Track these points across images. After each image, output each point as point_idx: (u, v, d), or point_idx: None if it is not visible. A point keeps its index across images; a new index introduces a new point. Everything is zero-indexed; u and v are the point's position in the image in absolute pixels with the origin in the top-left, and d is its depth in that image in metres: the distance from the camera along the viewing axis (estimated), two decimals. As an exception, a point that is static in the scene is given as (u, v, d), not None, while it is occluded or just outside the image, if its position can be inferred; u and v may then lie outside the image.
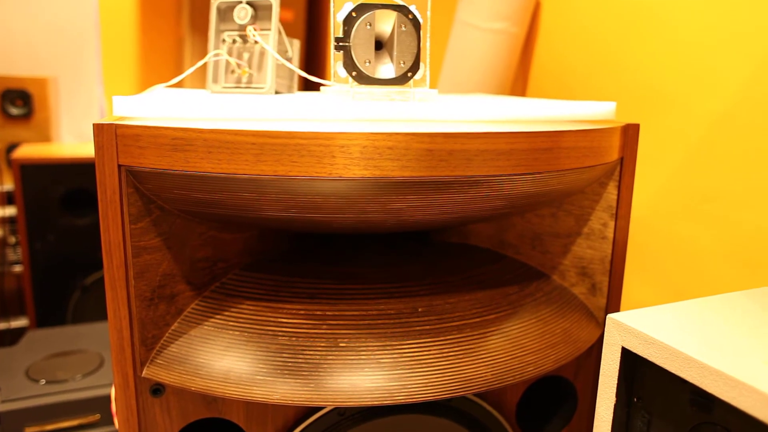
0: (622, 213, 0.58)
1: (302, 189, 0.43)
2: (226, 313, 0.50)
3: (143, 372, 0.49)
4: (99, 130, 0.45)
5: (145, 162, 0.45)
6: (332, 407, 0.53)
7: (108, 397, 0.86)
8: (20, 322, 1.54)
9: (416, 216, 0.46)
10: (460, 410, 0.57)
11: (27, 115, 1.60)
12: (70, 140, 1.84)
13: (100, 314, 1.37)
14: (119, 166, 0.45)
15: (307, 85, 2.04)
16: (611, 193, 0.58)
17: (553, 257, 0.60)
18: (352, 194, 0.43)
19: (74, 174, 1.34)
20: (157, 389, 0.51)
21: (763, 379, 0.37)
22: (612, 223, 0.58)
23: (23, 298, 1.58)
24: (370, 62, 0.52)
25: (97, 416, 0.86)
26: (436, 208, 0.46)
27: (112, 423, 0.87)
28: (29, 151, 1.38)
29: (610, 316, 0.47)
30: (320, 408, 0.53)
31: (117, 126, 0.45)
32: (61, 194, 1.33)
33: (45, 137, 1.65)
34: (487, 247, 0.62)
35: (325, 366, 0.46)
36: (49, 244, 1.35)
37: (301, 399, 0.45)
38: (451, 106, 0.50)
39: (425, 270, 0.55)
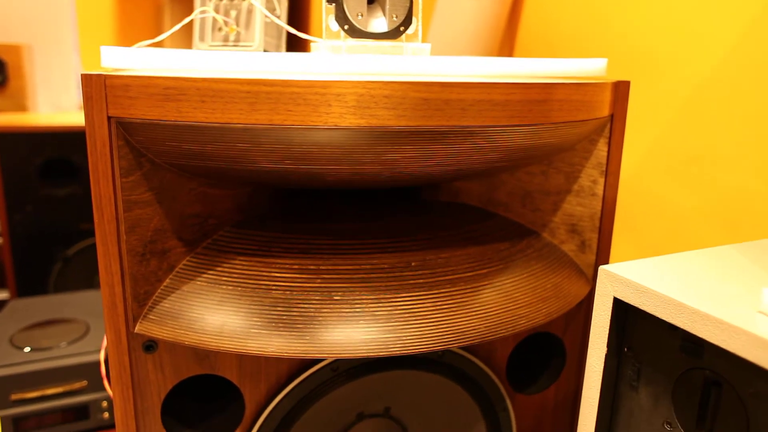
0: (611, 170, 0.58)
1: (297, 139, 0.42)
2: (219, 269, 0.50)
3: (136, 328, 0.49)
4: (87, 80, 0.44)
5: (135, 113, 0.44)
6: (326, 363, 0.53)
7: (96, 363, 0.86)
8: (1, 295, 1.52)
9: (411, 168, 0.46)
10: (451, 366, 0.58)
11: (2, 84, 1.56)
12: (47, 111, 1.80)
13: (83, 285, 1.36)
14: (109, 117, 0.45)
15: (293, 47, 2.01)
16: (601, 150, 0.58)
17: (543, 215, 0.61)
18: (347, 144, 0.43)
19: (53, 143, 1.31)
20: (150, 345, 0.51)
21: (752, 322, 0.38)
22: (602, 180, 0.58)
23: (3, 271, 1.56)
24: (362, 15, 0.51)
25: (84, 383, 0.86)
26: (431, 160, 0.46)
27: (99, 389, 0.87)
28: (5, 120, 1.35)
29: (602, 267, 0.47)
30: (314, 363, 0.54)
31: (106, 76, 0.44)
32: (39, 164, 1.31)
33: (21, 107, 1.61)
34: (477, 205, 0.62)
35: (320, 319, 0.46)
36: (29, 215, 1.33)
37: (296, 351, 0.45)
38: (445, 61, 0.50)
39: (417, 227, 0.55)
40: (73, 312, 1.01)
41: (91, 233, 1.37)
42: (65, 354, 0.87)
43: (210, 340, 0.46)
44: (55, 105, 1.83)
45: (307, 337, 0.46)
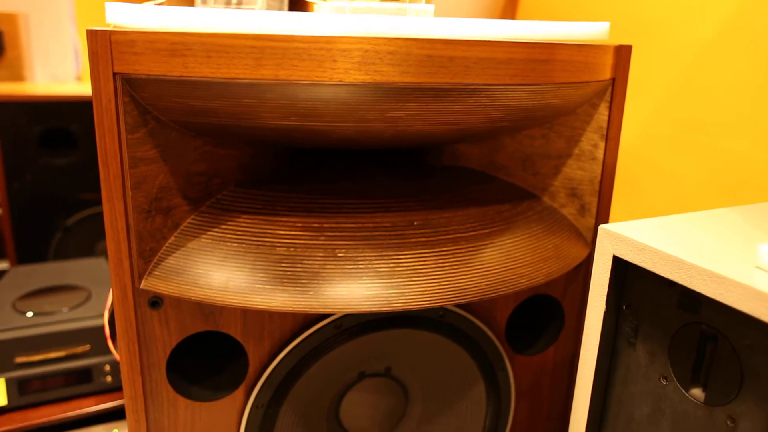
0: (612, 134, 0.59)
1: (302, 94, 0.42)
2: (223, 227, 0.50)
3: (141, 284, 0.49)
4: (92, 36, 0.44)
5: (141, 69, 0.44)
6: (329, 320, 0.54)
7: (98, 328, 0.87)
8: (0, 265, 1.52)
9: (415, 126, 0.46)
10: (451, 326, 0.59)
11: (-1, 53, 1.55)
12: (45, 81, 1.79)
13: (83, 255, 1.37)
14: (114, 74, 0.45)
15: (295, 10, 2.00)
16: (602, 114, 0.58)
17: (543, 178, 0.61)
18: (352, 100, 0.43)
19: (51, 113, 1.31)
20: (155, 302, 0.51)
21: (749, 276, 0.39)
22: (602, 144, 0.59)
23: (3, 241, 1.56)
24: (366, -25, 0.51)
25: (87, 347, 0.87)
26: (434, 118, 0.46)
27: (102, 354, 0.88)
28: (3, 89, 1.34)
29: (602, 226, 0.48)
30: (317, 321, 0.55)
31: (111, 32, 0.44)
32: (38, 133, 1.30)
33: (18, 77, 1.60)
34: (478, 168, 0.62)
35: (324, 275, 0.47)
36: (28, 184, 1.33)
37: (301, 306, 0.46)
38: (448, 22, 0.50)
39: (419, 188, 0.56)
40: (75, 279, 1.02)
41: (91, 203, 1.37)
42: (68, 318, 0.88)
43: (215, 295, 0.47)
44: (52, 75, 1.82)
45: (311, 293, 0.46)
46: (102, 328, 0.86)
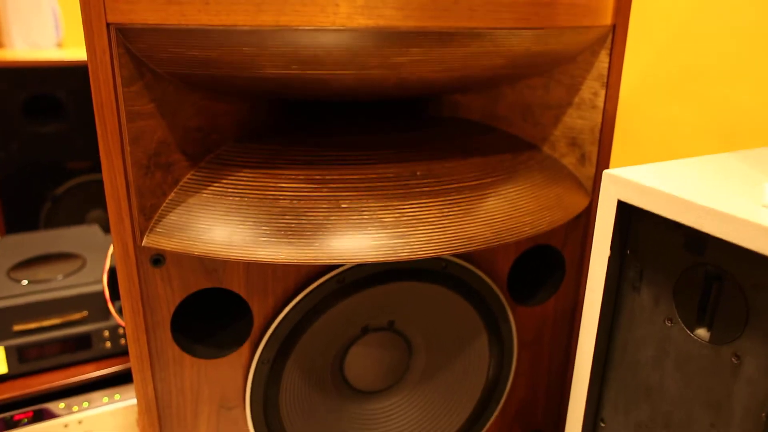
0: (612, 82, 0.58)
1: (304, 41, 0.41)
2: (224, 181, 0.50)
3: (143, 241, 0.49)
4: (84, -16, 0.42)
5: (136, 18, 0.43)
6: (332, 275, 0.54)
7: (95, 294, 0.86)
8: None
9: (417, 72, 0.45)
10: (454, 277, 0.59)
11: (-24, 20, 1.51)
12: (23, 48, 1.75)
13: (74, 224, 1.35)
14: (108, 24, 0.43)
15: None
16: (603, 61, 0.58)
17: (543, 128, 0.61)
18: (354, 46, 0.42)
19: (35, 79, 1.28)
20: (158, 259, 0.51)
21: (756, 215, 0.39)
22: (602, 92, 0.58)
23: (-9, 212, 1.54)
24: None
25: (85, 313, 0.86)
26: (437, 65, 0.45)
27: (100, 320, 0.87)
28: (-16, 55, 1.31)
29: (606, 171, 0.48)
30: (320, 276, 0.54)
31: (103, -20, 0.42)
32: (22, 101, 1.28)
33: (-4, 44, 1.56)
34: (478, 119, 0.62)
35: (329, 226, 0.47)
36: (14, 153, 1.31)
37: (306, 258, 0.46)
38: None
39: (420, 139, 0.55)
40: (68, 246, 1.01)
41: (80, 172, 1.35)
42: (64, 285, 0.87)
43: (219, 249, 0.47)
44: (31, 43, 1.77)
45: (317, 244, 0.46)
46: (99, 294, 0.85)
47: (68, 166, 1.34)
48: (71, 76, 1.31)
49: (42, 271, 0.92)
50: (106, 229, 1.31)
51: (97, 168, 1.36)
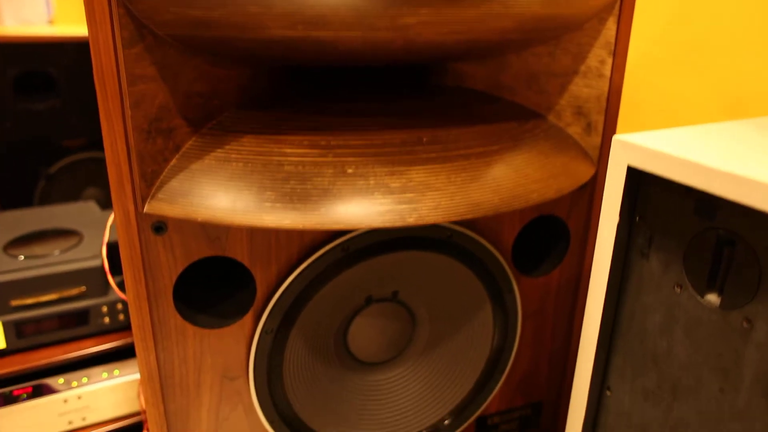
0: (619, 50, 0.58)
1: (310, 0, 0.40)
2: (227, 147, 0.49)
3: (145, 208, 0.48)
4: (82, -59, 0.41)
5: (136, -24, 0.42)
6: (336, 243, 0.54)
7: (94, 270, 0.85)
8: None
9: (425, 35, 0.44)
10: (459, 246, 0.58)
11: (-33, -5, 1.48)
12: (14, 25, 1.72)
13: (69, 202, 1.34)
14: (107, -17, 0.42)
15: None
16: (610, 29, 0.57)
17: (549, 97, 0.60)
18: (361, 6, 0.41)
19: (26, 56, 1.26)
20: (159, 227, 0.50)
21: (771, 175, 0.38)
22: (610, 60, 0.58)
23: (-16, 192, 1.52)
24: None
25: (83, 288, 0.86)
26: (445, 26, 0.44)
27: (98, 296, 0.86)
28: (-25, 30, 1.28)
29: (615, 137, 0.47)
30: (324, 244, 0.54)
31: (102, -64, 0.41)
32: (14, 77, 1.26)
33: (-13, 21, 1.54)
34: (483, 88, 0.61)
35: (335, 191, 0.46)
36: (7, 130, 1.29)
37: (313, 223, 0.45)
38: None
39: (425, 106, 0.54)
40: (64, 222, 1.00)
41: (74, 150, 1.34)
42: (61, 261, 0.86)
43: (223, 215, 0.46)
44: (22, 20, 1.75)
45: (323, 210, 0.45)
46: (97, 269, 0.85)
47: (62, 144, 1.32)
48: (63, 52, 1.29)
49: (38, 247, 0.91)
50: (103, 206, 1.30)
51: (91, 146, 1.35)
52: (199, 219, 0.46)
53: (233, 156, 0.48)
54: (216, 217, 0.46)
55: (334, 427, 0.62)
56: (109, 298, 0.86)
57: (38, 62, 1.26)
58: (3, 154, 1.28)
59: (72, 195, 1.35)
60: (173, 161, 0.49)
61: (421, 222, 0.46)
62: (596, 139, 0.60)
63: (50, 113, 1.30)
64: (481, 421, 0.69)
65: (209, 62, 0.50)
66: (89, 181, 1.37)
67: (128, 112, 0.45)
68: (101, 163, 1.34)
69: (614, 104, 0.59)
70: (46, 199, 1.34)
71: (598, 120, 0.59)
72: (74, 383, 0.83)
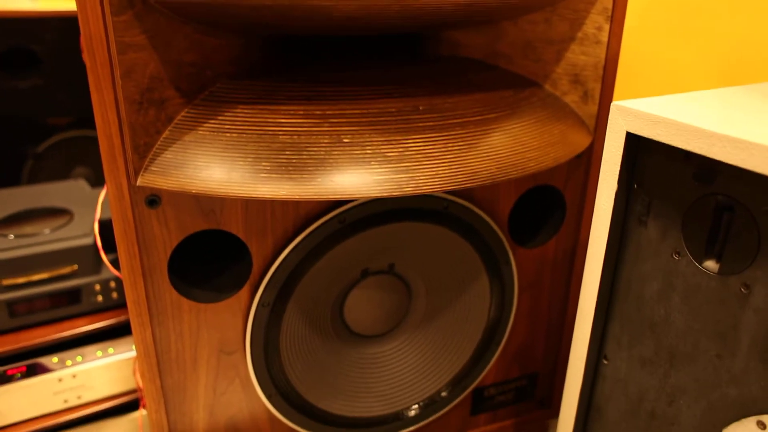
0: (617, 16, 0.57)
1: (304, -38, 0.39)
2: (221, 118, 0.48)
3: (138, 181, 0.47)
4: None
5: (123, -60, 0.40)
6: (333, 215, 0.53)
7: (85, 248, 0.84)
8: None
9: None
10: (456, 218, 0.58)
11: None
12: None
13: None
14: (93, -53, 0.41)
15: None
16: (606, -6, 0.56)
17: (545, 65, 0.59)
18: (357, -32, 0.40)
19: (9, 32, 1.23)
20: (153, 200, 0.49)
21: (770, 139, 0.38)
22: (607, 27, 0.57)
23: (-29, 171, 1.50)
24: None
25: (75, 267, 0.85)
26: (442, -10, 0.43)
27: (90, 274, 0.86)
28: (-44, 5, 1.25)
29: (614, 103, 0.47)
30: (320, 216, 0.53)
31: None
32: (-3, 54, 1.23)
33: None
34: (479, 57, 0.60)
35: (331, 161, 0.45)
36: (-8, 109, 1.26)
37: (309, 194, 0.44)
38: None
39: (421, 74, 0.54)
40: (54, 201, 0.99)
41: (61, 128, 1.32)
42: (52, 239, 0.85)
43: (218, 187, 0.45)
44: (5, -3, 1.70)
45: (319, 179, 0.45)
46: (88, 247, 0.84)
47: (49, 122, 1.30)
48: (47, 28, 1.26)
49: (29, 226, 0.90)
50: (93, 185, 1.28)
51: (79, 124, 1.33)
52: (194, 191, 0.45)
53: (227, 127, 0.47)
54: (210, 188, 0.45)
55: (332, 399, 0.62)
56: (102, 276, 0.85)
57: (22, 38, 1.24)
58: (-11, 133, 1.26)
59: (61, 174, 1.34)
60: (166, 133, 0.48)
61: (418, 191, 0.45)
62: (593, 108, 0.59)
63: (35, 91, 1.27)
64: (478, 392, 0.70)
65: (201, 31, 0.49)
66: (78, 160, 1.35)
67: (119, 82, 0.44)
68: (90, 141, 1.32)
69: (611, 72, 0.59)
70: (35, 179, 1.32)
71: (595, 88, 0.59)
72: (68, 362, 0.82)
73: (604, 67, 0.58)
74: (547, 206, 0.65)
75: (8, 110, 1.27)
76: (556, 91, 0.60)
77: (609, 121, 0.47)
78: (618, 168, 0.48)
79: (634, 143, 0.48)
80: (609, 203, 0.49)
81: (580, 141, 0.57)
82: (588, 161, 0.62)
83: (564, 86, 0.60)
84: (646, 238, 0.48)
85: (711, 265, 0.44)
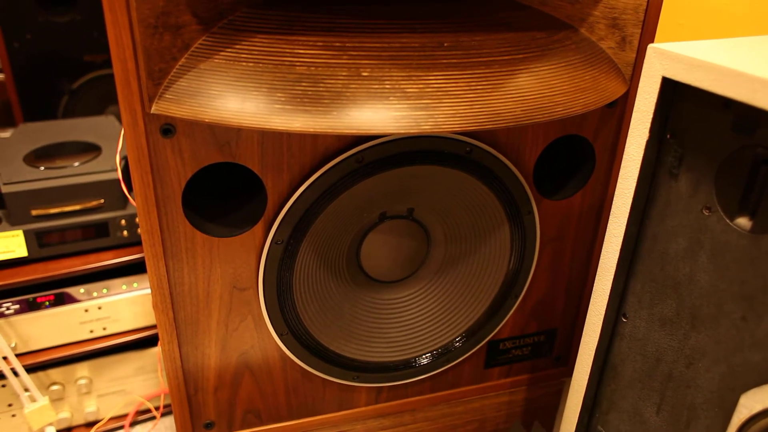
0: (663, -45, 0.53)
1: None
2: (238, 47, 0.46)
3: (152, 108, 0.46)
4: None
5: None
6: (351, 153, 0.52)
7: (111, 182, 0.85)
8: (8, 134, 1.50)
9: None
10: (479, 163, 0.56)
11: None
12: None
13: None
14: None
15: None
16: (654, -69, 0.52)
17: (582, 7, 0.56)
18: None
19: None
20: (168, 129, 0.48)
21: (821, 85, 0.35)
22: (651, -33, 0.53)
23: (10, 108, 1.52)
24: None
25: (101, 200, 0.86)
26: None
27: (117, 208, 0.86)
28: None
29: (651, 45, 0.44)
30: (338, 154, 0.52)
31: None
32: (32, -11, 1.23)
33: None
34: (512, -4, 0.57)
35: (348, 95, 0.44)
36: (28, 43, 1.27)
37: (323, 127, 0.43)
38: None
39: (448, 10, 0.51)
40: (84, 135, 0.99)
41: (97, 65, 1.32)
42: (80, 172, 0.86)
43: (231, 116, 0.44)
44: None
45: (335, 113, 0.43)
46: (115, 182, 0.84)
47: (84, 59, 1.31)
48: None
49: (59, 159, 0.91)
50: (124, 123, 1.29)
51: (114, 62, 1.32)
52: (207, 120, 0.44)
53: (244, 56, 0.46)
54: (224, 118, 0.44)
55: (344, 342, 0.62)
56: (128, 211, 0.86)
57: (60, -27, 1.24)
58: (24, 66, 1.27)
59: (95, 111, 1.35)
60: (182, 60, 0.47)
61: (437, 130, 0.43)
62: (630, 55, 0.56)
63: (71, 26, 1.28)
64: (493, 344, 0.69)
65: (220, -45, 0.47)
66: (112, 98, 1.35)
67: (132, 3, 0.43)
68: (123, 79, 1.32)
69: (653, 17, 0.55)
70: (70, 115, 1.34)
71: (634, 33, 0.55)
72: (95, 293, 0.84)
73: (646, 11, 0.54)
74: (576, 158, 0.63)
75: (46, 46, 1.28)
76: (592, 35, 0.57)
77: (644, 65, 0.44)
78: (651, 116, 0.45)
79: (670, 90, 0.45)
80: (639, 153, 0.46)
81: (614, 89, 0.54)
82: (622, 112, 0.59)
83: (601, 31, 0.56)
84: (676, 192, 0.46)
85: (743, 222, 0.42)
